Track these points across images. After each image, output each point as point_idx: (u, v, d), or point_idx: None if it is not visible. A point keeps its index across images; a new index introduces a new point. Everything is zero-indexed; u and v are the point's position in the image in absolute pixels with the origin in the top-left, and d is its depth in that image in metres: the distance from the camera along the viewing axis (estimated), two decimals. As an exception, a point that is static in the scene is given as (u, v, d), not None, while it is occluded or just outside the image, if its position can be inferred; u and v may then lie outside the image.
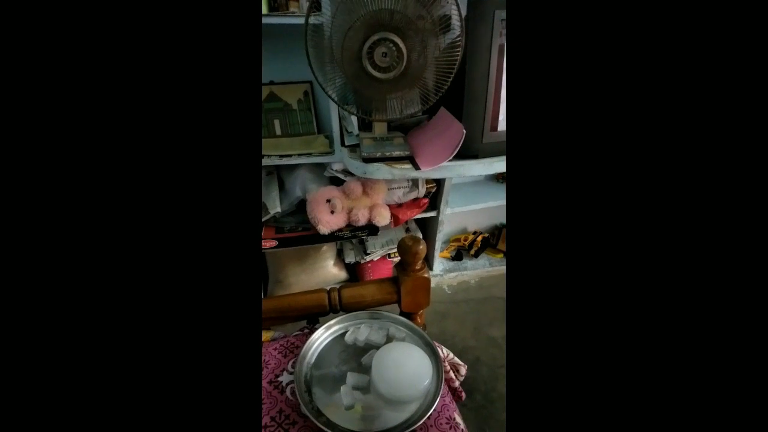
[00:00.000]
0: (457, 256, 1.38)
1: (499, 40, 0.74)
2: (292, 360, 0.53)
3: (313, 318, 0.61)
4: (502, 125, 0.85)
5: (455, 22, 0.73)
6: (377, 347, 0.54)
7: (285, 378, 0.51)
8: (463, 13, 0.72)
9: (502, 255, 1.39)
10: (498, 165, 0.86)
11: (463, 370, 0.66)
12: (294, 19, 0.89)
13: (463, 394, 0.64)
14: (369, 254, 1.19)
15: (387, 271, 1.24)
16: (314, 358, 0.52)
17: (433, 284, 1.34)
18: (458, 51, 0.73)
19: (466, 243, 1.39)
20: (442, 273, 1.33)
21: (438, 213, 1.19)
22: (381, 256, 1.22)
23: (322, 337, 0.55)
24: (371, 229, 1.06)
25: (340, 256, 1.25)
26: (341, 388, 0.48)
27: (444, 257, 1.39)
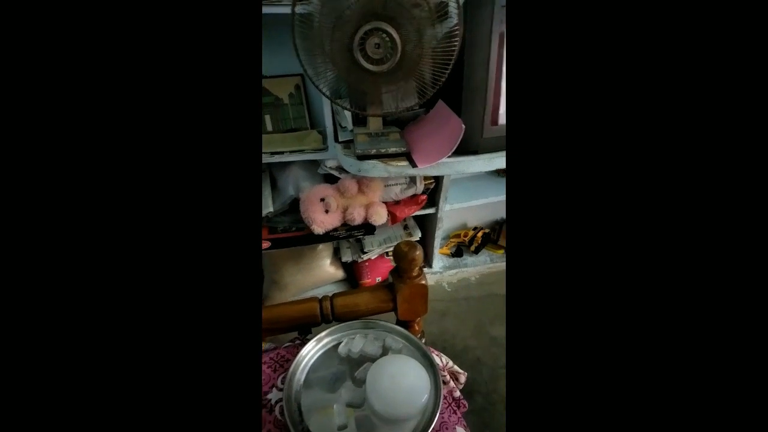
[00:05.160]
0: (457, 253, 1.35)
1: (500, 27, 0.70)
2: (282, 375, 0.50)
3: (305, 328, 0.58)
4: (503, 119, 0.80)
5: (452, 9, 0.68)
6: (372, 359, 0.51)
7: (274, 395, 0.48)
8: (461, -1, 0.68)
9: (503, 251, 1.36)
10: (499, 161, 0.82)
11: (463, 378, 0.64)
12: (282, 8, 0.84)
13: (465, 404, 0.62)
14: (366, 253, 1.16)
15: (385, 269, 1.21)
16: (305, 373, 0.49)
17: (432, 282, 1.33)
18: (456, 40, 0.69)
19: (467, 239, 1.35)
20: (441, 270, 1.30)
21: (437, 210, 1.16)
22: (378, 254, 1.19)
23: (313, 350, 0.52)
24: (368, 228, 1.02)
25: (336, 255, 1.22)
26: (334, 406, 0.45)
27: (444, 254, 1.36)
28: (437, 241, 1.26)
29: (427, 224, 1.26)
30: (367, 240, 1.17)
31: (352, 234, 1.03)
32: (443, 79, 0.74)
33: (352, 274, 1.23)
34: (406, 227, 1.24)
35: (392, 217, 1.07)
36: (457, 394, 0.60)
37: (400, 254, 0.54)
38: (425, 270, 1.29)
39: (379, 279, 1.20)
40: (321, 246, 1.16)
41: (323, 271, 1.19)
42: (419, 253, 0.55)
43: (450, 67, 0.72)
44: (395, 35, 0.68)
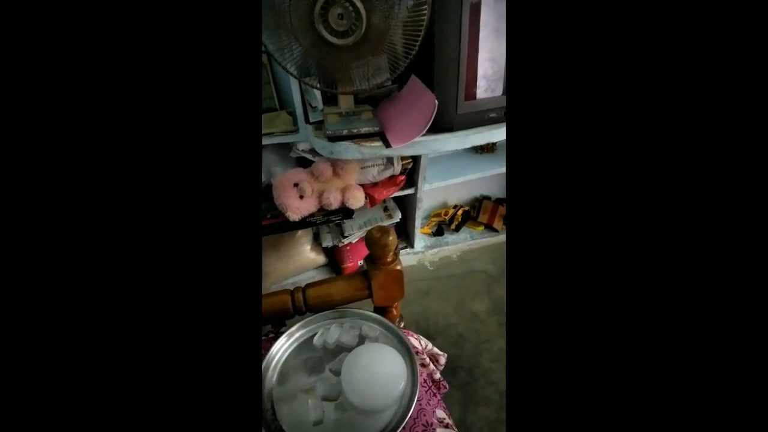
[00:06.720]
0: (438, 232, 1.34)
1: (471, -4, 0.65)
2: (255, 371, 0.49)
3: (277, 321, 0.56)
4: (479, 93, 0.77)
5: (420, -26, 0.64)
6: (349, 349, 0.50)
7: (247, 393, 0.47)
8: (429, -37, 0.63)
9: (483, 227, 1.36)
10: (474, 138, 0.80)
11: (443, 359, 0.64)
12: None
13: (445, 385, 0.62)
14: (347, 237, 1.14)
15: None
16: (277, 369, 0.48)
17: (414, 261, 1.32)
18: (425, 9, 0.64)
19: (447, 218, 1.35)
20: (423, 250, 1.30)
21: (416, 190, 1.13)
22: (359, 237, 1.17)
23: (286, 344, 0.50)
24: (345, 212, 0.99)
25: (316, 240, 1.19)
26: (309, 401, 0.44)
27: (425, 233, 1.35)
28: (418, 222, 1.25)
29: (407, 205, 1.24)
30: (347, 224, 1.14)
31: (330, 219, 1.00)
32: (414, 52, 0.70)
33: (334, 258, 1.21)
34: (386, 209, 1.22)
35: (371, 200, 1.04)
36: (437, 376, 0.60)
37: (372, 241, 0.52)
38: (407, 251, 1.29)
39: (361, 262, 1.19)
40: (300, 232, 1.13)
41: (304, 258, 1.17)
42: (392, 238, 0.53)
43: (420, 38, 0.68)
44: (359, 4, 0.63)
